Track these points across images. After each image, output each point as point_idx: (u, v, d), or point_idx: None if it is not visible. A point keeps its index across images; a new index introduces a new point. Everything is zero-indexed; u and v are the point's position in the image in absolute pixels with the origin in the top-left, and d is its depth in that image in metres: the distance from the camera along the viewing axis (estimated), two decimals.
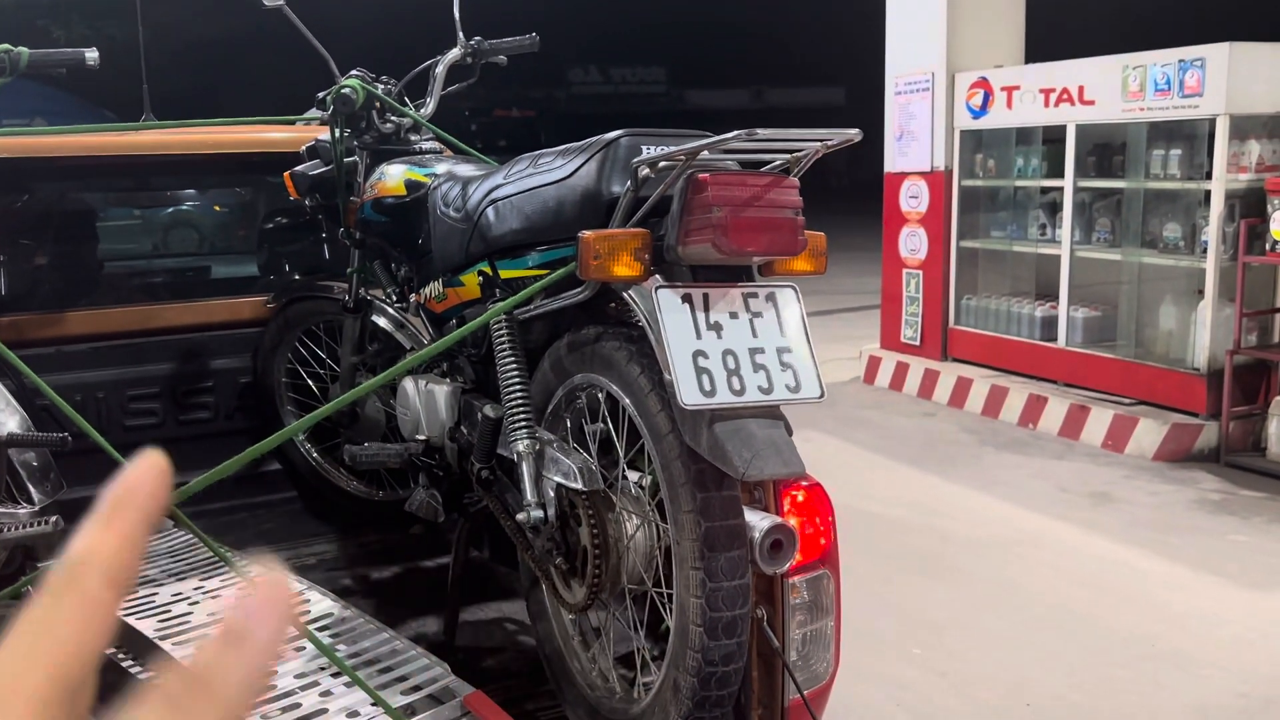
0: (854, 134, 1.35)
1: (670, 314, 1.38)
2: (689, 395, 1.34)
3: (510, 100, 23.10)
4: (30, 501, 2.11)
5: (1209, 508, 4.89)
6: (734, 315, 1.40)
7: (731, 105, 27.13)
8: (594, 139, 1.57)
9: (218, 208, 3.51)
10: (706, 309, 1.40)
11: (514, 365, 1.74)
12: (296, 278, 3.10)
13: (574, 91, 27.33)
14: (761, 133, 1.26)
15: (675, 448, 1.44)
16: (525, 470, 1.68)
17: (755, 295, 1.43)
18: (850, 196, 13.35)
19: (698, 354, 1.36)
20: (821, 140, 1.35)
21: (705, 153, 1.36)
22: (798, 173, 1.43)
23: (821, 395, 1.40)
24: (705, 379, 1.35)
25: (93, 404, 2.70)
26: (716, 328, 1.39)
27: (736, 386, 1.36)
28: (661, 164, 1.38)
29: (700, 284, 1.41)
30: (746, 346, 1.39)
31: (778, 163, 1.45)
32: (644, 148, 1.49)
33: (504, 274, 1.79)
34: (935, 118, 6.83)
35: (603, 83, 28.04)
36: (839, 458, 5.72)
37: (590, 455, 1.69)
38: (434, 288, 2.08)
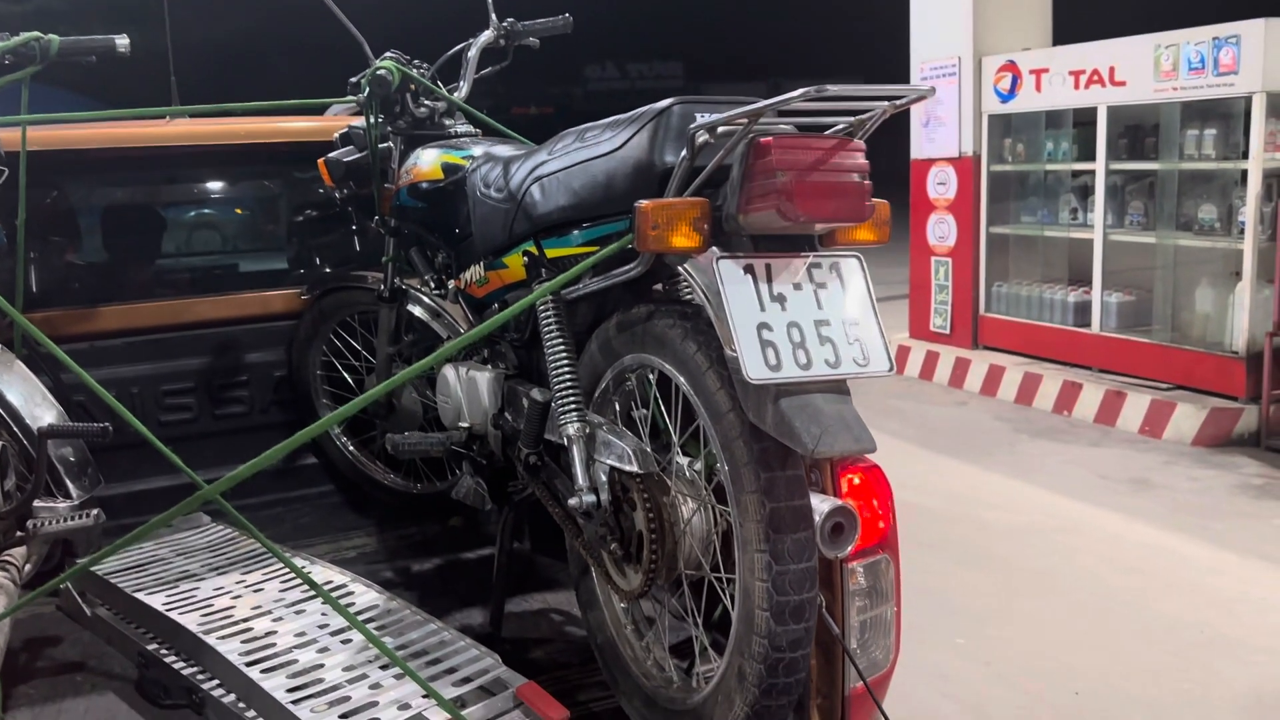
0: (928, 90, 1.29)
1: (732, 285, 1.32)
2: (754, 369, 1.29)
3: (528, 97, 23.08)
4: (68, 496, 2.08)
5: (1252, 492, 4.80)
6: (798, 286, 1.35)
7: (749, 97, 27.00)
8: (644, 109, 1.51)
9: (248, 200, 3.48)
10: (769, 280, 1.34)
11: (562, 347, 1.69)
12: (328, 269, 3.06)
13: (591, 88, 27.27)
14: (831, 89, 1.20)
15: (736, 426, 1.38)
16: (576, 454, 1.63)
17: (819, 265, 1.37)
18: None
19: (762, 326, 1.31)
20: (890, 99, 1.30)
21: (765, 116, 1.30)
22: (863, 135, 1.37)
23: (891, 369, 1.35)
24: (770, 352, 1.30)
25: (127, 399, 2.67)
26: (780, 299, 1.33)
27: (803, 360, 1.31)
28: (721, 129, 1.33)
29: (762, 254, 1.36)
30: (812, 319, 1.33)
31: (840, 126, 1.40)
32: (697, 114, 1.44)
33: (550, 253, 1.75)
34: (963, 103, 6.74)
35: (619, 78, 27.95)
36: None
37: (642, 438, 1.64)
38: (475, 272, 2.03)
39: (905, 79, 7.14)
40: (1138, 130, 5.95)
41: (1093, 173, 6.10)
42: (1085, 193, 6.28)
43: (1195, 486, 4.89)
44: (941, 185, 6.99)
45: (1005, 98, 6.56)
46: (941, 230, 7.05)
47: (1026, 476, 5.12)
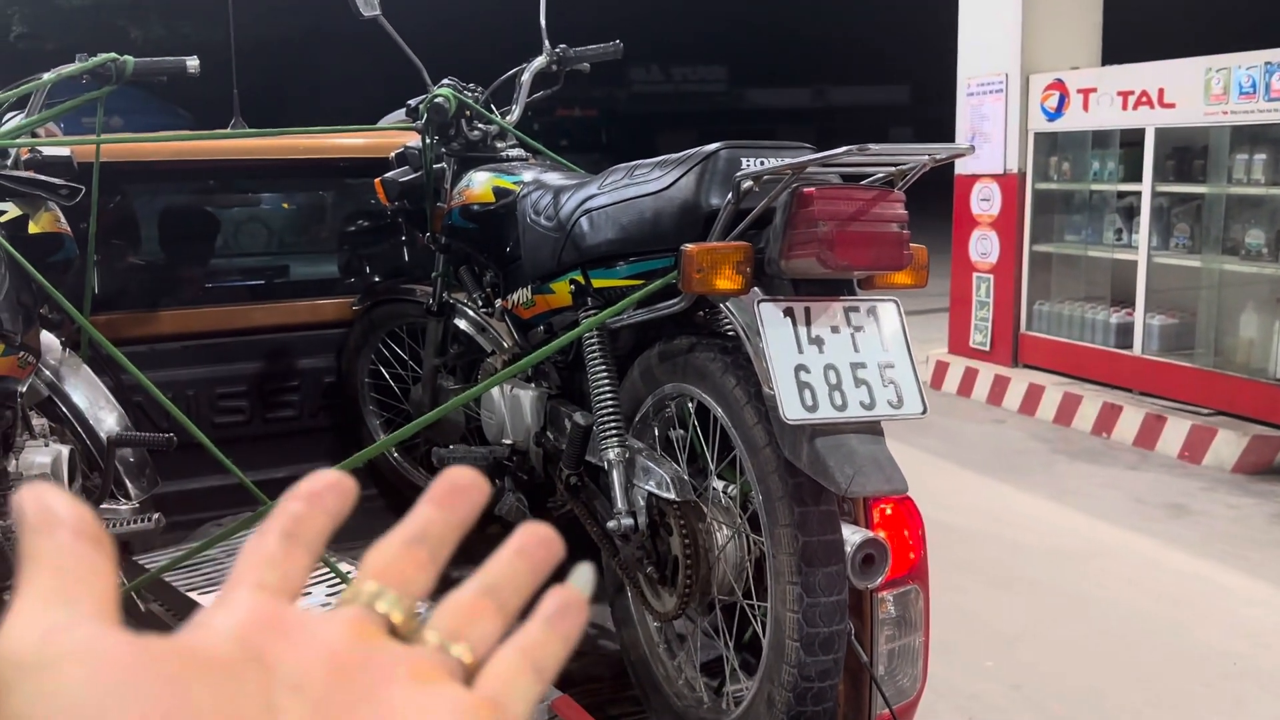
0: (966, 148, 1.34)
1: (772, 327, 1.38)
2: (791, 410, 1.34)
3: (572, 99, 23.17)
4: (128, 497, 2.17)
5: None
6: (835, 329, 1.40)
7: (793, 104, 26.90)
8: (692, 151, 1.57)
9: (302, 212, 3.58)
10: (808, 323, 1.39)
11: (605, 373, 1.75)
12: (378, 281, 3.15)
13: (635, 90, 27.27)
14: (874, 148, 1.25)
15: (772, 461, 1.43)
16: (615, 478, 1.69)
17: (856, 309, 1.42)
18: (914, 196, 13.18)
19: (800, 368, 1.36)
20: (930, 154, 1.34)
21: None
22: (902, 186, 1.42)
23: (924, 411, 1.40)
24: (807, 393, 1.35)
25: (183, 401, 2.76)
26: (818, 342, 1.38)
27: (839, 401, 1.36)
28: (766, 177, 1.38)
29: (802, 298, 1.41)
30: (848, 361, 1.38)
31: (879, 175, 1.44)
32: (743, 160, 1.49)
33: (596, 283, 1.80)
34: (1009, 120, 6.72)
35: (664, 82, 27.93)
36: (906, 465, 5.58)
37: (679, 464, 1.70)
38: (522, 294, 2.10)
39: (951, 87, 7.13)
40: (1186, 152, 5.90)
41: (1139, 194, 6.06)
42: (1130, 213, 6.23)
43: (1233, 514, 4.85)
44: (985, 201, 6.97)
45: (1052, 116, 6.53)
46: (984, 246, 7.03)
47: (1062, 498, 5.10)
